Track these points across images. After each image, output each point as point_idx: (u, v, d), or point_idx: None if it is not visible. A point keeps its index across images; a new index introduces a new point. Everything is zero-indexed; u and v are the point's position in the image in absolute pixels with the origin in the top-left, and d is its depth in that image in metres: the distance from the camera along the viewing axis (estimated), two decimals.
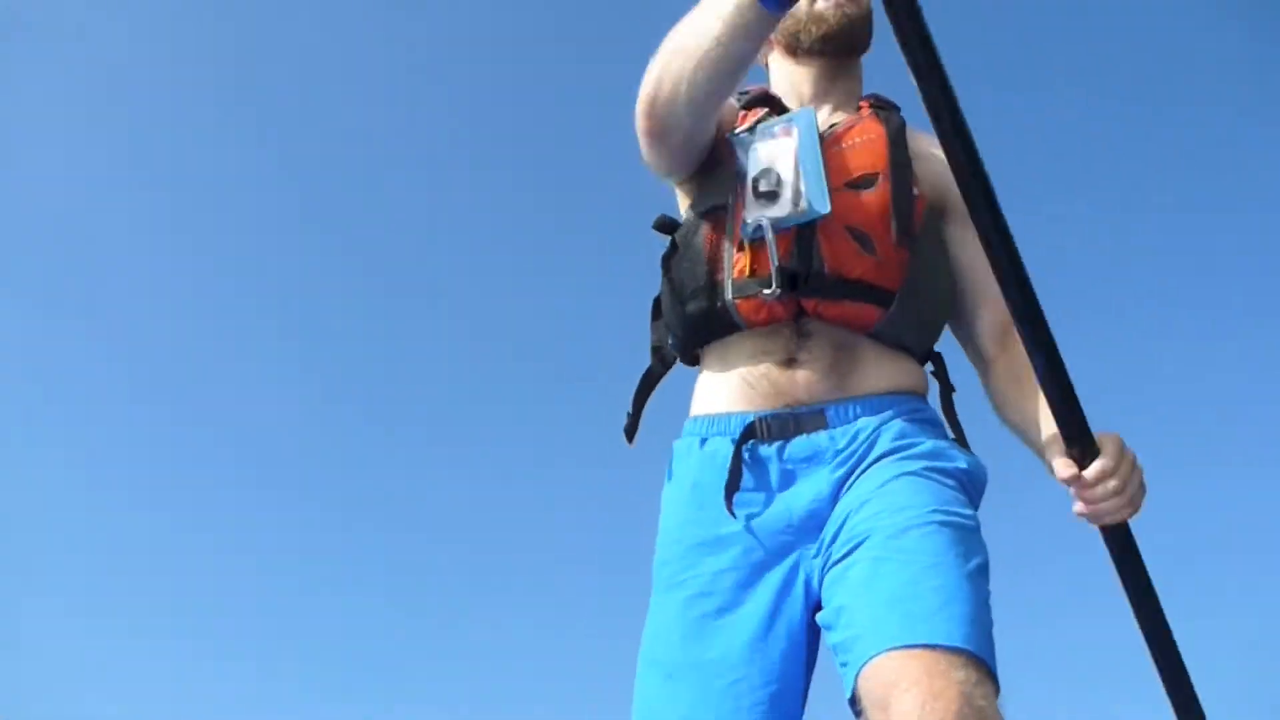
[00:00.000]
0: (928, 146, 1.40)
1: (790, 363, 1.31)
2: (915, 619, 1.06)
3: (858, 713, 1.08)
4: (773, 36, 1.51)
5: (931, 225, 1.36)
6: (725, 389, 1.35)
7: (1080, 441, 1.11)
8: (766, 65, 1.58)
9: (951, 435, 1.39)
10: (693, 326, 1.38)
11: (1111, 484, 1.09)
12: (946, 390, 1.45)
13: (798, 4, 1.37)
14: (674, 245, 1.40)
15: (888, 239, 1.30)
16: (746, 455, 1.29)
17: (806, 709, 1.24)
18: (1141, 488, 1.12)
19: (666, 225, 1.44)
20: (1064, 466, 1.12)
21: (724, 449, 1.30)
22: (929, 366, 1.46)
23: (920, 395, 1.37)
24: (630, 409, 1.49)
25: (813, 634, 1.23)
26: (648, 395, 1.50)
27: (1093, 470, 1.10)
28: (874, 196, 1.31)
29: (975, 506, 1.28)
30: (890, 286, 1.30)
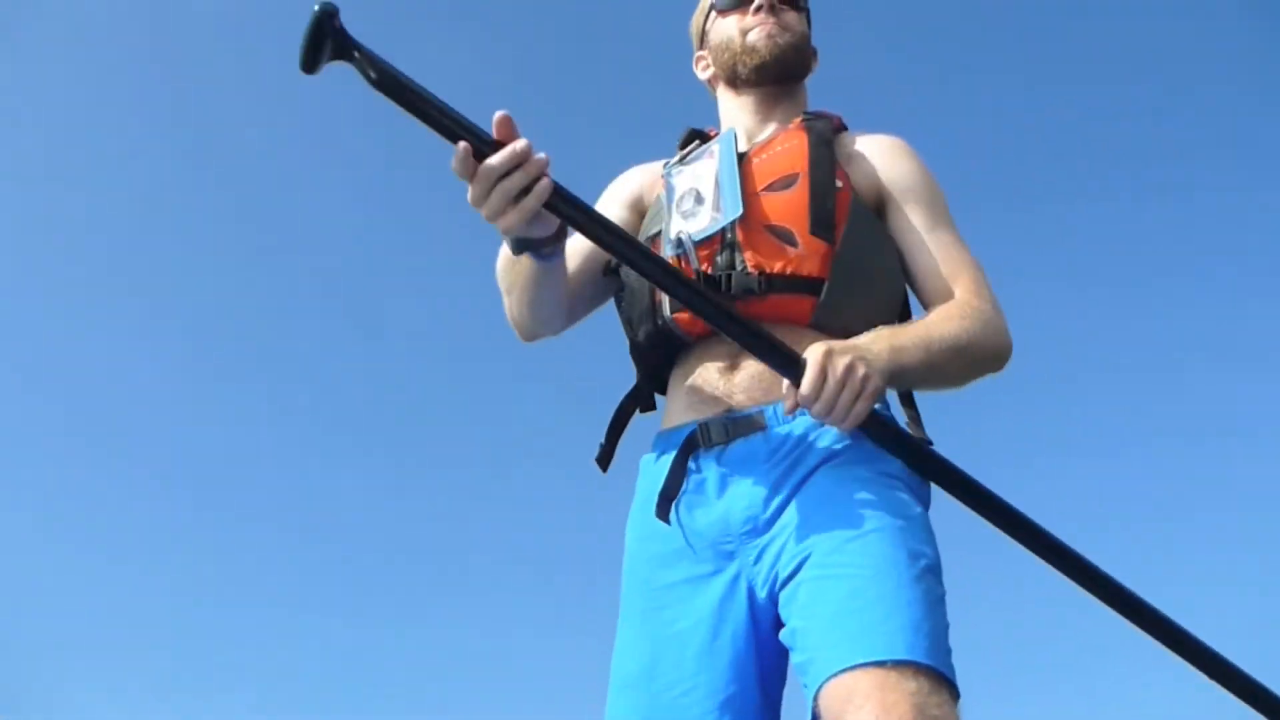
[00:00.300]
0: (865, 146, 1.47)
1: (731, 369, 1.33)
2: (860, 636, 1.07)
3: None
4: (713, 70, 1.58)
5: (861, 214, 1.38)
6: (679, 402, 1.39)
7: (792, 369, 1.16)
8: (715, 97, 1.62)
9: (905, 420, 1.39)
10: (646, 351, 1.43)
11: (816, 407, 1.13)
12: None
13: (731, 37, 1.52)
14: (622, 284, 1.46)
15: (808, 232, 1.32)
16: (692, 464, 1.31)
17: None
18: (856, 390, 1.13)
19: (612, 267, 1.49)
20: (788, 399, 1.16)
21: (671, 460, 1.32)
22: None
23: None
24: (604, 439, 1.50)
25: (765, 644, 1.23)
26: (622, 427, 1.51)
27: (794, 399, 1.15)
28: (793, 194, 1.35)
29: (924, 500, 1.28)
30: (818, 275, 1.31)
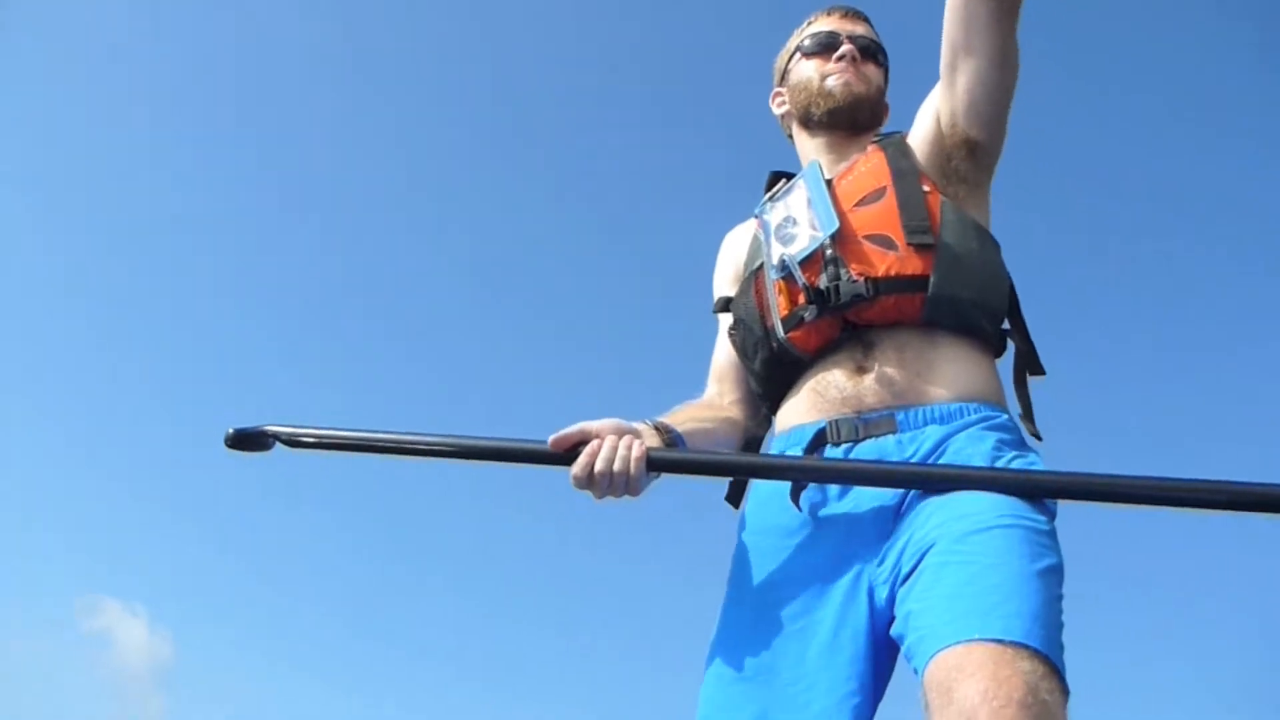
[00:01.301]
0: (913, 133, 1.52)
1: (859, 372, 1.36)
2: (977, 614, 1.06)
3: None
4: (788, 107, 1.65)
5: (952, 210, 1.41)
6: (800, 405, 1.41)
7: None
8: (791, 136, 1.68)
9: (1019, 411, 1.40)
10: (766, 377, 1.48)
11: None
12: (1020, 363, 1.46)
13: (810, 78, 1.58)
14: (734, 318, 1.52)
15: (904, 236, 1.37)
16: None
17: None
18: None
19: (723, 304, 1.59)
20: None
21: (801, 452, 1.34)
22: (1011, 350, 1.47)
23: (992, 401, 1.37)
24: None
25: (879, 646, 1.24)
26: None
27: None
28: (883, 204, 1.40)
29: (1051, 511, 1.26)
30: (923, 272, 1.34)
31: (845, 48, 1.56)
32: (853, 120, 1.55)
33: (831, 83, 1.55)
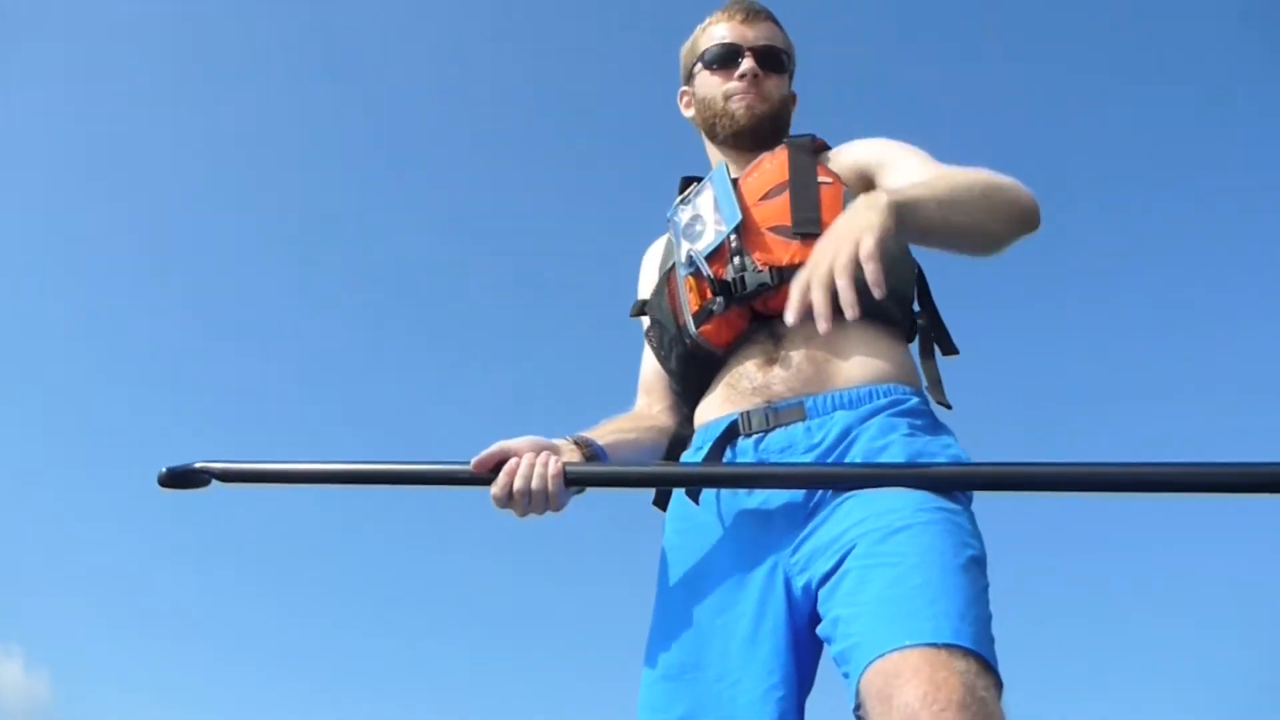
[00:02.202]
0: (846, 149, 1.56)
1: (770, 362, 1.38)
2: (907, 618, 1.06)
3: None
4: (696, 118, 1.66)
5: (854, 199, 1.37)
6: (715, 400, 1.44)
7: None
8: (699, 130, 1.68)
9: (925, 382, 1.42)
10: (682, 375, 1.50)
11: (820, 263, 1.11)
12: (925, 335, 1.47)
13: (714, 96, 1.59)
14: (650, 319, 1.55)
15: (794, 227, 1.38)
16: (729, 453, 1.35)
17: None
18: (856, 230, 1.11)
19: (639, 307, 1.62)
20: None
21: (709, 448, 1.36)
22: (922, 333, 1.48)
23: (903, 382, 1.38)
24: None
25: (800, 637, 1.25)
26: (676, 460, 1.54)
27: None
28: (784, 199, 1.42)
29: (966, 498, 1.28)
30: None
31: (746, 65, 1.56)
32: (755, 140, 1.56)
33: (734, 105, 1.56)
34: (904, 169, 1.44)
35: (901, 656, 1.03)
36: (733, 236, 1.40)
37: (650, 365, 1.62)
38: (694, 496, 1.36)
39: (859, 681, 1.07)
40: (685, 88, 1.69)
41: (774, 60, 1.59)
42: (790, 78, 1.64)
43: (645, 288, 1.66)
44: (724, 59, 1.59)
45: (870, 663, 1.05)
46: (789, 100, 1.63)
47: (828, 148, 1.58)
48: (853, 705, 1.10)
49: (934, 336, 1.47)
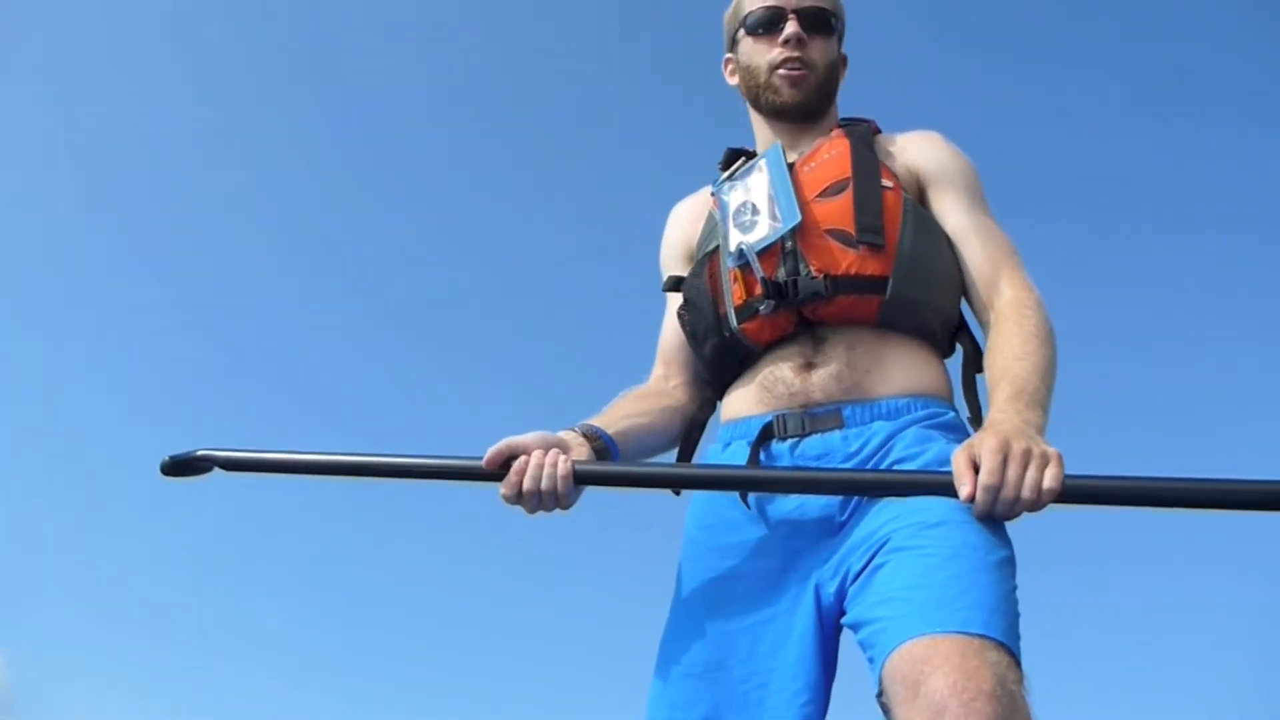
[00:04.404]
0: (902, 142, 1.51)
1: (808, 367, 1.34)
2: (939, 607, 1.05)
3: (885, 707, 1.05)
4: (740, 86, 1.59)
5: (914, 210, 1.39)
6: (747, 397, 1.39)
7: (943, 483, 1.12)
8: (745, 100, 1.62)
9: (967, 415, 1.39)
10: (715, 364, 1.45)
11: (1005, 492, 1.07)
12: (969, 366, 1.43)
13: (758, 65, 1.52)
14: (685, 300, 1.48)
15: (856, 235, 1.34)
16: (763, 456, 1.31)
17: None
18: (1040, 464, 1.07)
19: (674, 283, 1.55)
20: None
21: (742, 451, 1.33)
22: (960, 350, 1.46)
23: (941, 398, 1.36)
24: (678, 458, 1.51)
25: (826, 645, 1.23)
26: (694, 444, 1.52)
27: (971, 486, 1.08)
28: (845, 199, 1.37)
29: None
30: (882, 273, 1.32)
31: (790, 29, 1.48)
32: (803, 113, 1.51)
33: (778, 79, 1.50)
34: (950, 209, 1.42)
35: (932, 642, 1.01)
36: (788, 236, 1.35)
37: (671, 335, 1.56)
38: (744, 497, 1.31)
39: (884, 666, 1.04)
40: (729, 54, 1.62)
41: (820, 22, 1.51)
42: (840, 39, 1.56)
43: (673, 257, 1.61)
44: (767, 23, 1.52)
45: (897, 647, 1.03)
46: (838, 64, 1.56)
47: (879, 131, 1.53)
48: (875, 691, 1.07)
49: (975, 360, 1.43)
